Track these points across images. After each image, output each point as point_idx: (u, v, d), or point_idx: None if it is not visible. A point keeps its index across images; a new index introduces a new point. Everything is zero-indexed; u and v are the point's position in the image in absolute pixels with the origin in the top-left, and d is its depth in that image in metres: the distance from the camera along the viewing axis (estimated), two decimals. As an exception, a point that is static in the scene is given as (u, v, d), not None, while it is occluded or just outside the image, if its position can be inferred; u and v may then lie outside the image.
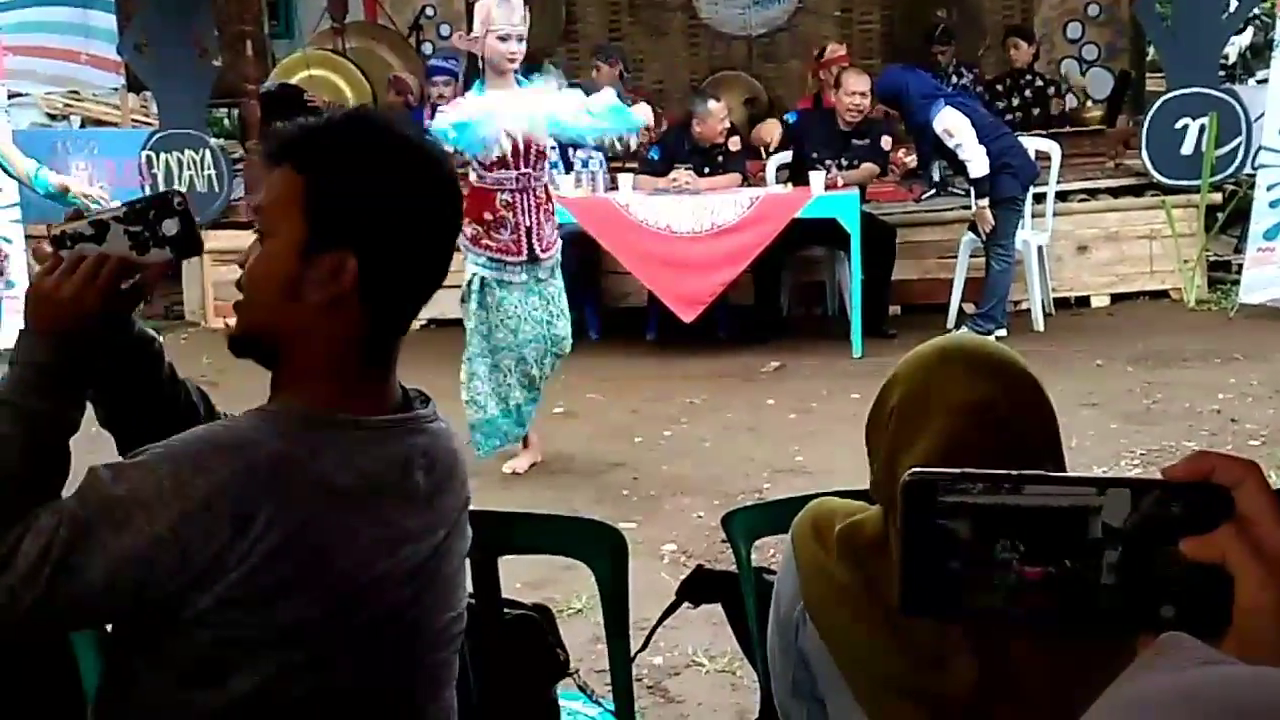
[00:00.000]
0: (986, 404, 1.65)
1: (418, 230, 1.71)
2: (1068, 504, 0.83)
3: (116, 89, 10.79)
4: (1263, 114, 8.54)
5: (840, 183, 8.18)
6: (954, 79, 10.19)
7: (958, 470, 0.85)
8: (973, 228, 8.36)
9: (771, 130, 8.75)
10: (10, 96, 8.93)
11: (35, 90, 10.80)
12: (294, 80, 10.29)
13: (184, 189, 8.14)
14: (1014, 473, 0.84)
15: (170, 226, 1.69)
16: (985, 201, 8.07)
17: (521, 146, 5.65)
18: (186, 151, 9.26)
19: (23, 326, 1.67)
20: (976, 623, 1.54)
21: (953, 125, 8.01)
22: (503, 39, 5.64)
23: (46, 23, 9.61)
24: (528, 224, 5.77)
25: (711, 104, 8.66)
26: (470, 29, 5.95)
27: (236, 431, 1.64)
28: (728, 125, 8.66)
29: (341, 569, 1.64)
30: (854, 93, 8.37)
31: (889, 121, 8.79)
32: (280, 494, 1.58)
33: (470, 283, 5.79)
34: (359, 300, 1.67)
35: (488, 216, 5.72)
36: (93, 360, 1.68)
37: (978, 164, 8.01)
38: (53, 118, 12.07)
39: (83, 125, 11.98)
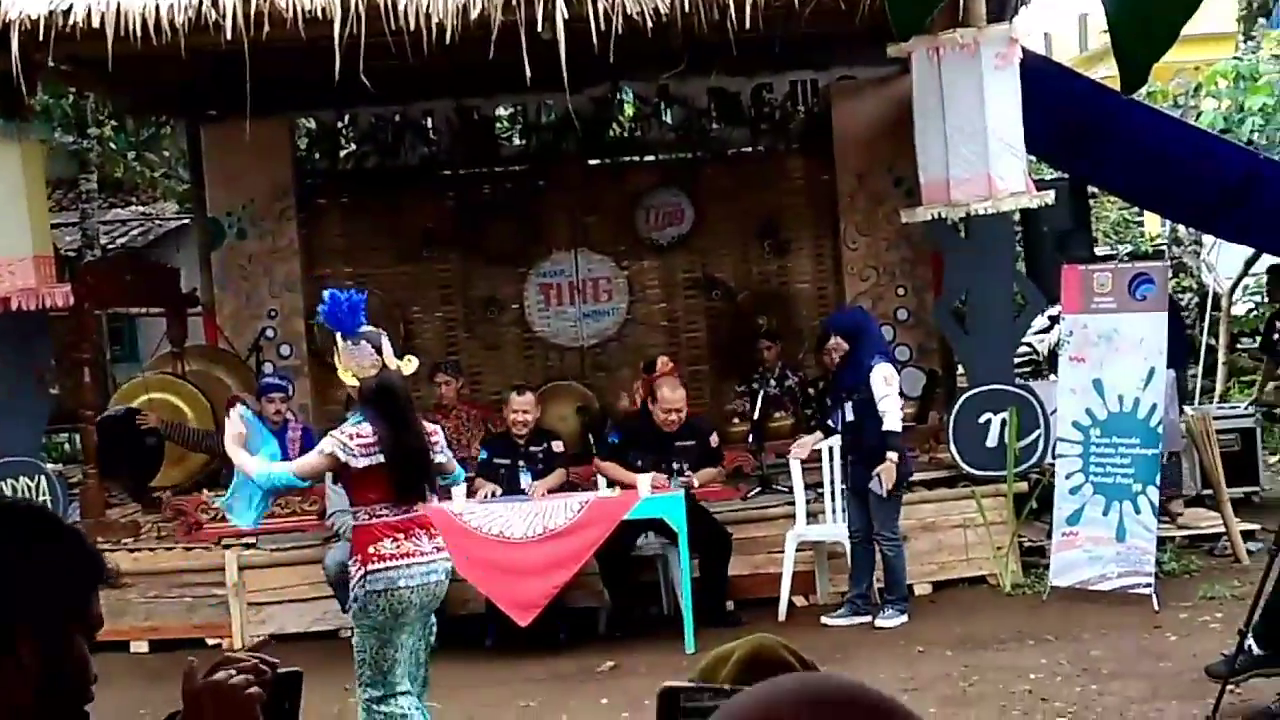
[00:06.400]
0: None
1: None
2: None
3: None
4: (1056, 409, 9.13)
5: (696, 484, 8.74)
6: (780, 380, 10.76)
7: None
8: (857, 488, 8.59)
9: None
10: None
11: None
12: (134, 404, 10.46)
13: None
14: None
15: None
16: (896, 456, 8.38)
17: None
18: (21, 479, 9.29)
19: None
20: None
21: (891, 377, 8.51)
22: None
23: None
24: None
25: (514, 395, 9.12)
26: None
27: None
28: (534, 414, 9.06)
29: None
30: (670, 409, 8.83)
31: (709, 420, 9.25)
32: None
33: None
34: None
35: None
36: None
37: (895, 417, 8.40)
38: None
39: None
